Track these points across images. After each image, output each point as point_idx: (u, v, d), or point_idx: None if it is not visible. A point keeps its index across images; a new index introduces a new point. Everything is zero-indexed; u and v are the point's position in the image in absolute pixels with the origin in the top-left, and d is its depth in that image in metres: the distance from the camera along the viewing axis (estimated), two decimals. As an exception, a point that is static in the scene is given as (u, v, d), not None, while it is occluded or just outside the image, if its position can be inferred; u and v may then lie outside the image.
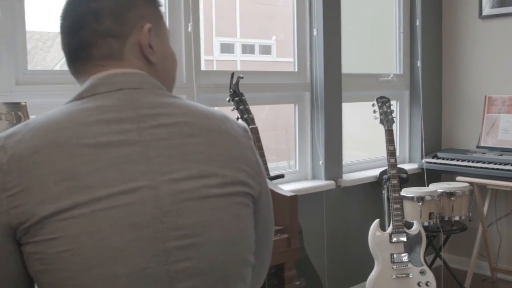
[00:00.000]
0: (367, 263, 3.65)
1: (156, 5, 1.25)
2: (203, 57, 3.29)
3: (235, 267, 1.14)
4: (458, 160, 4.12)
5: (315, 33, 3.70)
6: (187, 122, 1.14)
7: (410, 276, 3.51)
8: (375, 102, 3.77)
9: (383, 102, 3.76)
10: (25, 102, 2.25)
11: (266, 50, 5.18)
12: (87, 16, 1.17)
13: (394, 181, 3.63)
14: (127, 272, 1.02)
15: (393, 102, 3.86)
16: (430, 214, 3.68)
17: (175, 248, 1.06)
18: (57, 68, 2.88)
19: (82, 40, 1.18)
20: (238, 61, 5.33)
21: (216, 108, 3.31)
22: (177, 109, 1.15)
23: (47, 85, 2.58)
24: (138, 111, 1.11)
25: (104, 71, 1.17)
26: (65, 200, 1.01)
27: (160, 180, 1.07)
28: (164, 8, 3.05)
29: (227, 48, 5.06)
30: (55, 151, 1.04)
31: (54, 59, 3.01)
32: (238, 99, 3.06)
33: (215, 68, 3.91)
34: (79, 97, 1.14)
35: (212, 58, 4.33)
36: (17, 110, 2.23)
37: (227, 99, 3.07)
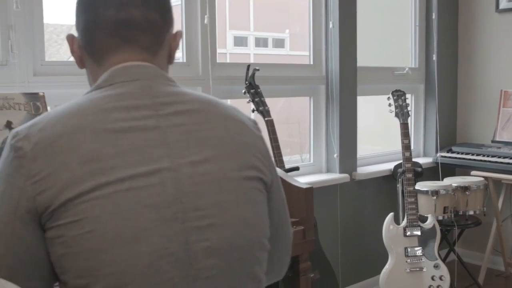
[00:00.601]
0: (381, 257, 3.65)
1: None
2: (217, 51, 3.30)
3: (252, 250, 1.16)
4: (473, 154, 4.10)
5: (331, 25, 3.69)
6: (202, 109, 1.18)
7: (424, 270, 3.50)
8: (390, 95, 3.76)
9: (399, 95, 3.75)
10: (43, 93, 2.26)
11: (279, 43, 5.18)
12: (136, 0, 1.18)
13: (409, 175, 3.62)
14: (148, 252, 1.04)
15: (408, 96, 3.85)
16: (445, 208, 3.67)
17: (195, 228, 1.09)
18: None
19: (132, 18, 1.17)
20: (252, 54, 5.33)
21: (230, 100, 3.33)
22: (191, 98, 1.19)
23: (65, 76, 2.59)
24: (155, 99, 1.14)
25: (128, 61, 1.18)
26: (88, 182, 1.03)
27: (179, 163, 1.10)
28: (180, 0, 3.07)
29: (240, 41, 5.06)
30: (78, 135, 1.07)
31: (68, 51, 3.02)
32: (253, 91, 3.07)
33: (228, 61, 3.91)
34: (98, 87, 1.16)
35: (225, 51, 4.33)
36: (35, 101, 2.24)
37: (243, 91, 3.07)
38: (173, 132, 1.12)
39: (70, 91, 2.49)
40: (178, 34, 1.27)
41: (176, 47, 1.27)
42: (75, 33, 1.25)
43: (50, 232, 1.05)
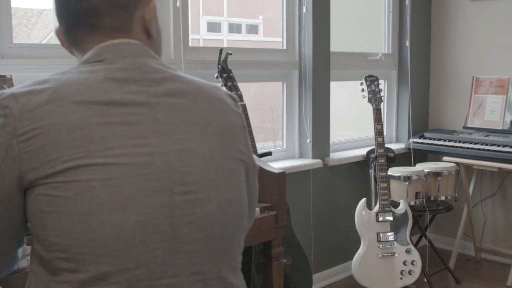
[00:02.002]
0: (354, 242, 3.67)
1: None
2: (190, 36, 3.26)
3: (233, 229, 1.19)
4: (444, 140, 4.12)
5: (304, 10, 3.67)
6: (189, 89, 1.20)
7: (396, 255, 3.53)
8: (363, 80, 3.76)
9: (372, 81, 3.75)
10: (10, 75, 2.22)
11: (253, 29, 5.15)
12: None
13: (381, 160, 3.63)
14: (135, 220, 1.06)
15: (381, 82, 3.85)
16: (417, 194, 3.69)
17: (181, 202, 1.11)
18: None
19: (91, 6, 1.18)
20: (225, 40, 5.29)
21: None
22: (179, 77, 1.21)
23: (33, 59, 2.54)
24: (145, 75, 1.16)
25: (110, 40, 1.19)
26: (78, 148, 1.05)
27: (167, 139, 1.12)
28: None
29: (213, 27, 5.02)
30: (68, 102, 1.08)
31: (39, 36, 2.97)
32: (226, 75, 3.04)
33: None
34: (85, 62, 1.18)
35: (198, 37, 4.30)
36: (3, 83, 2.20)
37: (215, 75, 3.05)
38: (161, 109, 1.14)
39: (39, 74, 2.43)
40: (149, 5, 1.25)
41: (151, 19, 1.25)
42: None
43: (37, 189, 1.06)
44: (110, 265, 1.05)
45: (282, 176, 2.56)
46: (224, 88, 1.30)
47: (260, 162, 2.62)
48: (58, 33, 1.27)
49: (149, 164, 1.09)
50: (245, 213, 1.24)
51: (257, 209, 2.50)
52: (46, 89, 1.09)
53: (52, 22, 2.83)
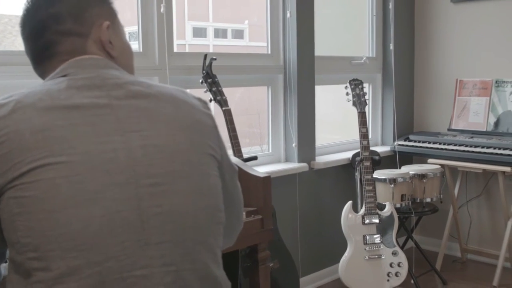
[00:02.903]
0: (340, 245, 3.68)
1: (109, 3, 1.34)
2: (175, 41, 3.26)
3: (205, 220, 1.21)
4: (429, 142, 4.15)
5: (288, 15, 3.69)
6: (151, 91, 1.24)
7: (383, 257, 3.54)
8: (347, 84, 3.78)
9: (356, 84, 3.77)
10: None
11: (238, 34, 5.16)
12: (48, 20, 1.25)
13: (367, 163, 3.65)
14: (101, 214, 1.09)
15: (365, 85, 3.87)
16: (402, 196, 3.72)
17: (147, 194, 1.14)
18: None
19: (46, 41, 1.26)
20: (211, 46, 5.29)
21: (189, 90, 3.30)
22: (140, 82, 1.25)
23: (18, 66, 2.52)
24: (105, 81, 1.20)
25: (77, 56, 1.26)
26: (41, 149, 1.08)
27: (131, 136, 1.16)
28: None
29: (199, 32, 5.02)
30: (32, 110, 1.12)
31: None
32: (211, 80, 3.05)
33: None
34: (49, 78, 1.23)
35: (184, 42, 4.30)
36: (-14, 91, 2.19)
37: (200, 80, 3.05)
38: (124, 110, 1.18)
39: (24, 81, 2.43)
40: (103, 27, 1.30)
41: (106, 38, 1.30)
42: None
43: (7, 193, 1.08)
44: (79, 259, 1.07)
45: (267, 180, 2.56)
46: (191, 93, 1.34)
47: (245, 166, 2.63)
48: None
49: (113, 159, 1.12)
50: (219, 207, 1.26)
51: (243, 213, 2.51)
52: (10, 102, 1.14)
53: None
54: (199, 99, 1.33)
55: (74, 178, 1.08)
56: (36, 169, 1.07)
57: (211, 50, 5.15)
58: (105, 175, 1.10)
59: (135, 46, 3.15)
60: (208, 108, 1.33)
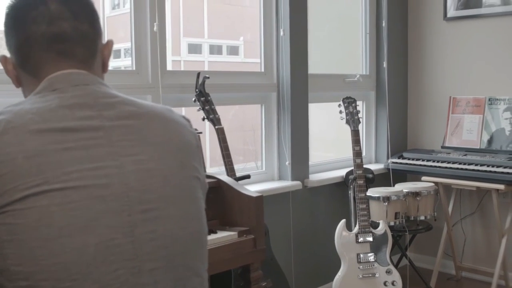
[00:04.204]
0: (334, 263, 3.66)
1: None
2: (170, 58, 3.26)
3: (194, 245, 1.21)
4: (423, 160, 4.15)
5: (281, 33, 3.70)
6: (142, 111, 1.23)
7: (377, 275, 3.53)
8: (341, 102, 3.78)
9: (349, 102, 3.77)
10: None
11: (234, 50, 5.17)
12: (64, 11, 1.21)
13: (360, 182, 3.65)
14: (95, 242, 1.07)
15: (359, 103, 3.88)
16: (396, 214, 3.71)
17: (141, 221, 1.13)
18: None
19: (62, 32, 1.21)
20: (206, 62, 5.30)
21: (182, 108, 3.30)
22: (131, 101, 1.24)
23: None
24: (97, 100, 1.18)
25: (62, 71, 1.21)
26: (35, 175, 1.06)
27: (124, 160, 1.14)
28: (130, 7, 3.04)
29: (194, 48, 5.04)
30: (24, 132, 1.09)
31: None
32: (204, 99, 3.05)
33: (182, 68, 3.88)
34: (37, 92, 1.19)
35: (179, 59, 4.31)
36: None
37: (193, 99, 3.05)
38: (117, 131, 1.16)
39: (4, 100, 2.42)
40: (110, 43, 1.32)
41: (109, 55, 1.31)
42: (7, 54, 1.27)
43: None
44: None
45: (259, 200, 2.56)
46: (177, 112, 1.34)
47: (237, 185, 2.63)
48: (6, 60, 1.27)
49: (107, 185, 1.11)
50: (204, 230, 1.26)
51: (235, 233, 2.51)
52: (1, 121, 1.10)
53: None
54: (184, 117, 1.33)
55: (68, 206, 1.06)
56: (29, 196, 1.05)
57: (206, 67, 5.16)
58: (100, 203, 1.09)
59: (128, 63, 3.16)
60: (192, 126, 1.33)
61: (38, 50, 1.21)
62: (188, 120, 1.33)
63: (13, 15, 1.23)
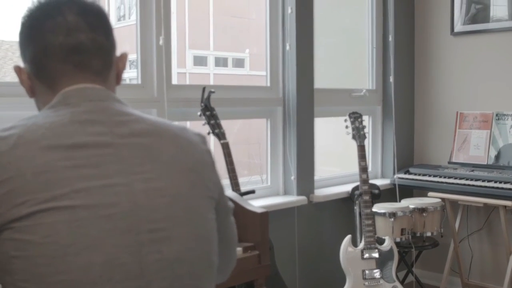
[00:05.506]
0: (339, 280, 3.63)
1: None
2: (176, 70, 3.26)
3: (202, 265, 1.20)
4: (430, 175, 4.12)
5: (287, 47, 3.68)
6: (154, 129, 1.22)
7: (382, 292, 3.49)
8: (347, 117, 3.76)
9: (355, 117, 3.75)
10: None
11: (239, 63, 5.17)
12: (81, 23, 1.20)
13: (366, 197, 3.61)
14: (101, 261, 1.06)
15: (365, 118, 3.86)
16: (402, 230, 3.68)
17: (148, 240, 1.11)
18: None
19: (79, 43, 1.20)
20: (211, 74, 5.30)
21: (188, 122, 3.28)
22: (144, 118, 1.23)
23: (13, 97, 2.50)
24: (110, 117, 1.18)
25: (76, 85, 1.20)
26: (43, 192, 1.06)
27: (133, 178, 1.13)
28: (136, 20, 3.03)
29: (200, 61, 5.05)
30: (34, 148, 1.09)
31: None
32: (209, 113, 3.03)
33: (188, 81, 3.88)
34: (51, 107, 1.18)
35: (185, 71, 4.32)
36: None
37: (198, 113, 3.04)
38: (127, 149, 1.15)
39: (21, 113, 2.41)
40: (124, 56, 1.31)
41: (123, 68, 1.30)
42: (21, 64, 1.26)
43: (4, 233, 1.05)
44: None
45: (264, 216, 2.54)
46: (191, 129, 1.33)
47: (242, 201, 2.61)
48: (20, 70, 1.25)
49: (115, 204, 1.10)
50: (214, 250, 1.24)
51: (240, 248, 2.48)
52: (11, 135, 1.10)
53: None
54: (198, 135, 1.31)
55: (75, 224, 1.06)
56: (37, 213, 1.04)
57: (211, 79, 5.17)
58: (107, 221, 1.08)
59: (132, 74, 3.16)
60: (206, 143, 1.31)
61: (54, 61, 1.20)
62: (202, 137, 1.32)
63: (29, 24, 1.22)
